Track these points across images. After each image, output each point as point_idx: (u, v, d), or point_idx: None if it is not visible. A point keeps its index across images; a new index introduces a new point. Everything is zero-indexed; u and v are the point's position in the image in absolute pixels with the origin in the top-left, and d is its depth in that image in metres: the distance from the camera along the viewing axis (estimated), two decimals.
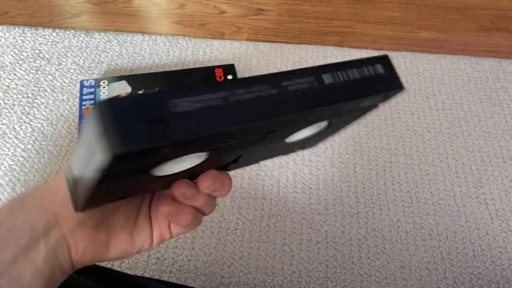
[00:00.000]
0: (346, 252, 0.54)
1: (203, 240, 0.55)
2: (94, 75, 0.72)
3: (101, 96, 0.64)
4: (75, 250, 0.29)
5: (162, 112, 0.19)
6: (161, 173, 0.25)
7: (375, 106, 0.28)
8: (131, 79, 0.67)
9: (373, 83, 0.25)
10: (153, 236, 0.30)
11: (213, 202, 0.29)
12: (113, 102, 0.18)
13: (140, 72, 0.72)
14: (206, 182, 0.27)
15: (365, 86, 0.25)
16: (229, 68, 0.69)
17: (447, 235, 0.56)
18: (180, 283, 0.52)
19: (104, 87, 0.66)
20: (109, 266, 0.52)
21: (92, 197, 0.24)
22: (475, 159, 0.64)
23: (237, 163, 0.30)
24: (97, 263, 0.31)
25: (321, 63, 0.75)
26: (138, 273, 0.52)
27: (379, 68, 0.26)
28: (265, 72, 0.73)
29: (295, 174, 0.60)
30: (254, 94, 0.23)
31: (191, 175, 0.28)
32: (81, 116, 0.62)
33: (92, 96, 0.64)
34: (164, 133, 0.19)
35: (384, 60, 0.26)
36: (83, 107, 0.63)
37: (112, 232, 0.30)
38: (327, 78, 0.24)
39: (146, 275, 0.52)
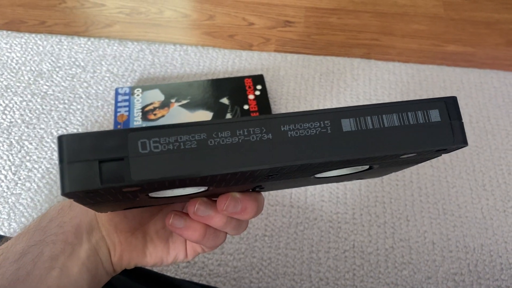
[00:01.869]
0: (373, 262, 0.55)
1: (232, 245, 0.56)
2: (128, 83, 0.74)
3: (135, 104, 0.67)
4: (113, 252, 0.30)
5: (122, 151, 0.18)
6: (155, 195, 0.23)
7: (435, 154, 0.22)
8: (164, 87, 0.69)
9: (418, 134, 0.20)
10: (186, 247, 0.31)
11: (238, 223, 0.28)
12: (74, 137, 0.18)
13: (172, 81, 0.74)
14: (223, 204, 0.25)
15: (403, 137, 0.20)
16: (258, 78, 0.71)
17: (474, 247, 0.57)
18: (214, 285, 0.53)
19: (138, 95, 0.68)
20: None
21: (98, 206, 0.23)
22: (503, 172, 0.64)
23: (262, 188, 0.27)
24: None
25: (348, 74, 0.76)
26: (170, 275, 0.54)
27: (435, 115, 0.20)
28: (292, 83, 0.75)
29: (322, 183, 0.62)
30: (239, 139, 0.19)
31: (209, 194, 0.25)
32: (116, 123, 0.64)
33: (126, 104, 0.67)
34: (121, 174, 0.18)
35: (445, 104, 0.20)
36: (118, 114, 0.65)
37: (149, 238, 0.31)
38: (346, 125, 0.20)
39: (177, 277, 0.54)
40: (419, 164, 0.64)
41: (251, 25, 0.86)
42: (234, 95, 0.68)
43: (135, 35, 0.84)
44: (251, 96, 0.68)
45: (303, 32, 0.85)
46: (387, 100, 0.72)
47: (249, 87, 0.69)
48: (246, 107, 0.67)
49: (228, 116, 0.65)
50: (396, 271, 0.54)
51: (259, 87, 0.70)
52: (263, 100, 0.68)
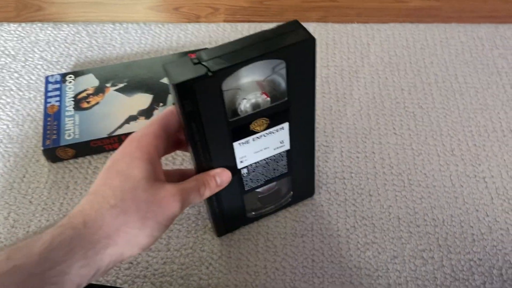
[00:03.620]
0: (334, 245, 0.50)
1: (179, 240, 0.51)
2: (63, 69, 0.67)
3: (67, 92, 0.60)
4: None
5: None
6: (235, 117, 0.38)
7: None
8: (99, 71, 0.63)
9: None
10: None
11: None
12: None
13: (111, 63, 0.68)
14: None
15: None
16: None
17: (443, 219, 0.52)
18: None
19: (70, 82, 0.62)
20: None
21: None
22: (472, 134, 0.59)
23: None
24: None
25: None
26: (110, 279, 0.49)
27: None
28: None
29: None
30: None
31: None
32: (46, 115, 0.58)
33: (57, 93, 0.60)
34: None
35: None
36: (48, 105, 0.59)
37: None
38: None
39: (119, 281, 0.49)
40: (381, 132, 0.59)
41: None
42: None
43: (72, 16, 0.76)
44: None
45: None
46: (345, 65, 0.66)
47: None
48: None
49: (170, 98, 0.59)
50: (359, 253, 0.50)
51: None
52: None
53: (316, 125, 0.59)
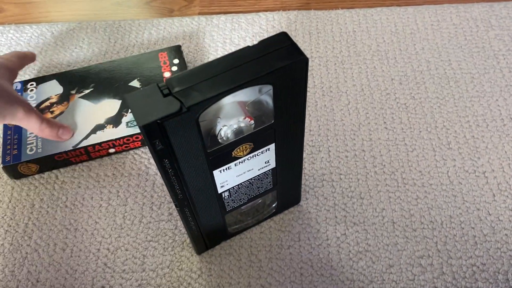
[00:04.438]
0: (324, 255, 0.46)
1: (154, 258, 0.47)
2: (26, 75, 0.62)
3: (29, 101, 0.55)
4: None
5: None
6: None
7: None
8: (63, 76, 0.58)
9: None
10: None
11: None
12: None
13: (78, 66, 0.63)
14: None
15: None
16: (175, 50, 0.60)
17: (441, 221, 0.48)
18: None
19: (32, 90, 0.57)
20: None
21: None
22: (470, 125, 0.54)
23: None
24: None
25: (285, 30, 0.65)
26: None
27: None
28: (220, 50, 0.63)
29: None
30: None
31: None
32: (6, 129, 0.53)
33: None
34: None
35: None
36: None
37: None
38: None
39: None
40: (372, 127, 0.54)
41: None
42: (146, 75, 0.57)
43: (35, 17, 0.71)
44: (167, 74, 0.57)
45: None
46: (330, 55, 0.61)
47: (165, 63, 0.58)
48: None
49: None
50: (351, 263, 0.45)
51: (176, 61, 0.58)
52: None
53: None
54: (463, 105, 0.56)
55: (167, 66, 0.58)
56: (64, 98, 0.55)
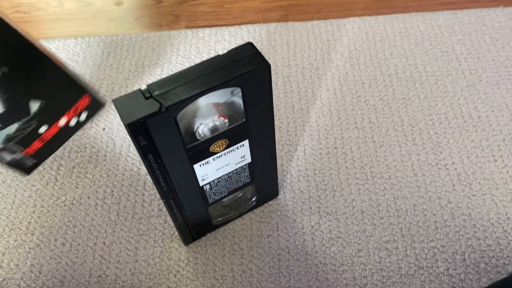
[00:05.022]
0: (299, 243, 0.51)
1: (146, 250, 0.51)
2: None
3: None
4: None
5: None
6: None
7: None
8: None
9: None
10: None
11: None
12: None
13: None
14: None
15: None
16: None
17: (406, 209, 0.53)
18: None
19: None
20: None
21: None
22: (433, 122, 0.59)
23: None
24: None
25: (265, 41, 0.70)
26: None
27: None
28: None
29: None
30: None
31: None
32: None
33: None
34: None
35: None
36: None
37: None
38: None
39: None
40: (343, 127, 0.59)
41: (159, 3, 0.79)
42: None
43: (34, 34, 0.76)
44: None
45: (216, 2, 0.78)
46: (306, 63, 0.67)
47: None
48: None
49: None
50: (324, 249, 0.50)
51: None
52: None
53: (280, 124, 0.59)
54: (427, 105, 0.61)
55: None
56: None
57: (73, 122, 0.54)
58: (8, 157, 0.49)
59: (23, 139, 0.50)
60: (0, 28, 0.40)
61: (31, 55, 0.44)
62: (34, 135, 0.50)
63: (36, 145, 0.51)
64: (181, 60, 0.69)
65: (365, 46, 0.68)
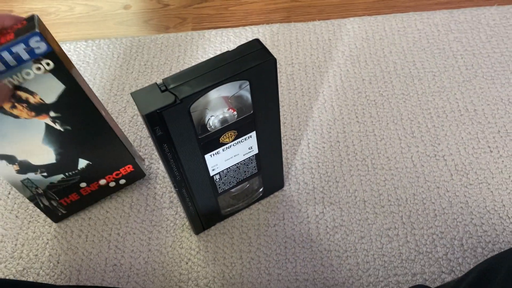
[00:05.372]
0: (304, 231, 0.53)
1: (159, 240, 0.54)
2: None
3: None
4: None
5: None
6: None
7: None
8: None
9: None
10: None
11: None
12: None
13: (86, 79, 0.71)
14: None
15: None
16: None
17: (406, 198, 0.55)
18: (136, 287, 0.51)
19: None
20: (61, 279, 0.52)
21: None
22: (431, 116, 0.62)
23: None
24: None
25: (268, 42, 0.73)
26: (96, 282, 0.52)
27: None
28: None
29: None
30: None
31: None
32: None
33: None
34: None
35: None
36: None
37: None
38: None
39: (105, 283, 0.51)
40: (345, 121, 0.62)
41: (166, 6, 0.82)
42: None
43: None
44: None
45: (220, 5, 0.81)
46: (308, 61, 0.70)
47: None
48: None
49: None
50: (328, 236, 0.53)
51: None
52: None
53: (284, 120, 0.62)
54: (425, 100, 0.64)
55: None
56: None
57: (112, 184, 0.56)
58: (45, 202, 0.53)
59: (63, 189, 0.53)
60: (76, 92, 0.43)
61: (95, 121, 0.47)
62: (74, 188, 0.53)
63: (73, 197, 0.54)
64: (188, 60, 0.72)
65: (365, 44, 0.71)
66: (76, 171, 0.51)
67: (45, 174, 0.49)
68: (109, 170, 0.54)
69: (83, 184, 0.53)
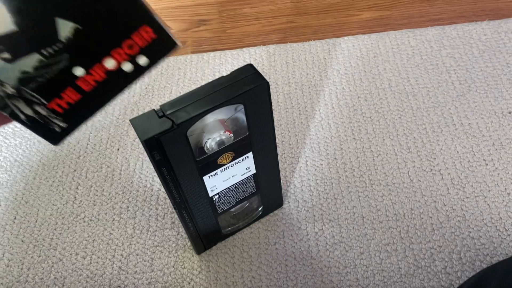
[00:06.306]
0: (304, 248, 0.54)
1: (161, 260, 0.55)
2: None
3: None
4: None
5: None
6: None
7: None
8: None
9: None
10: None
11: None
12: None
13: None
14: None
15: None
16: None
17: (404, 213, 0.56)
18: None
19: None
20: None
21: None
22: (426, 131, 0.63)
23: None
24: None
25: (265, 62, 0.75)
26: None
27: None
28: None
29: None
30: None
31: None
32: None
33: None
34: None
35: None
36: None
37: None
38: None
39: None
40: (342, 139, 0.63)
41: None
42: None
43: None
44: None
45: (218, 28, 0.83)
46: (304, 80, 0.71)
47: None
48: None
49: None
50: (328, 253, 0.54)
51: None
52: None
53: (282, 138, 0.63)
54: (420, 115, 0.65)
55: None
56: None
57: (127, 66, 0.29)
58: (26, 110, 0.28)
59: (49, 84, 0.28)
60: None
61: None
62: (66, 79, 0.28)
63: (70, 96, 0.29)
64: (188, 82, 0.73)
65: (359, 62, 0.73)
66: (59, 44, 0.26)
67: (7, 56, 0.26)
68: (115, 37, 0.27)
69: (79, 71, 0.28)
